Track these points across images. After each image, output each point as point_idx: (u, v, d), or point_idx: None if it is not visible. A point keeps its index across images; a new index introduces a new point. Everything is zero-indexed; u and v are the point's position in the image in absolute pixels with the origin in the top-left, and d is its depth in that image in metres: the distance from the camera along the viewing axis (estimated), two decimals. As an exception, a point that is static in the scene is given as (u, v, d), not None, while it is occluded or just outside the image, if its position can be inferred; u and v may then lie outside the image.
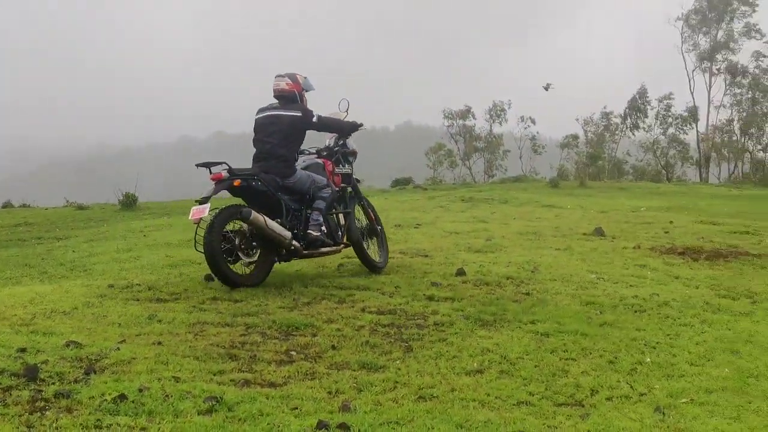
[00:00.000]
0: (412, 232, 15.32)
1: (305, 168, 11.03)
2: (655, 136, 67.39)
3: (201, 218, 9.70)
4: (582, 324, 8.65)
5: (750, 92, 66.28)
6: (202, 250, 9.59)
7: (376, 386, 6.48)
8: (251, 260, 10.05)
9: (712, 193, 35.97)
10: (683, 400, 6.51)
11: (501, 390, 6.56)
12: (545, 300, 9.68)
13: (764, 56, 65.86)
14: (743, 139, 67.70)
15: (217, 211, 9.84)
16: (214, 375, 6.48)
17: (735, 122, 67.51)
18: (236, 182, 10.14)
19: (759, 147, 67.78)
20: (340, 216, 11.35)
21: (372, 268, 11.25)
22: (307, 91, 11.13)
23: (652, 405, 6.37)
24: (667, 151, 67.41)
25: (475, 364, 7.21)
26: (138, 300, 8.99)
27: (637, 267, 12.12)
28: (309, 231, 10.52)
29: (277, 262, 10.52)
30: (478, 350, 7.60)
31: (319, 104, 11.08)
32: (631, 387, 6.82)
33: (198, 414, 5.51)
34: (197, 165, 10.34)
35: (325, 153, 11.58)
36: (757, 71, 66.21)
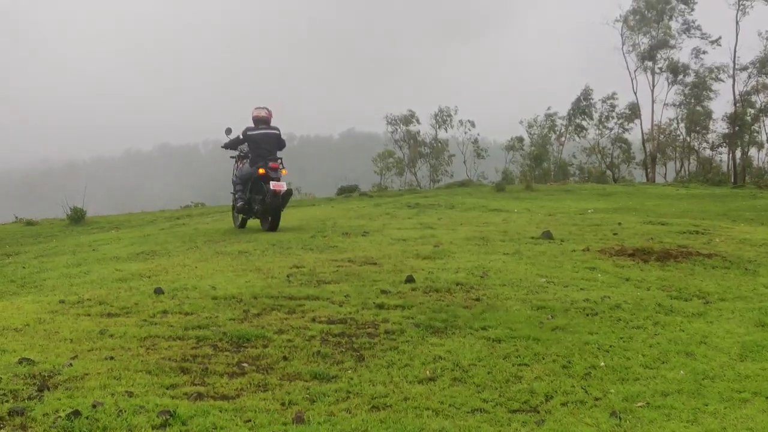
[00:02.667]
0: (360, 240, 15.31)
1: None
2: (598, 138, 68.02)
3: (282, 190, 17.28)
4: (534, 329, 8.69)
5: (693, 90, 66.92)
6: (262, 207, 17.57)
7: (328, 396, 6.48)
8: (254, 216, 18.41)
9: (659, 193, 36.29)
10: (639, 404, 6.56)
11: (454, 398, 6.58)
12: (496, 305, 9.71)
13: (704, 53, 66.52)
14: (689, 137, 68.39)
15: (287, 186, 17.61)
16: (167, 389, 6.45)
17: (679, 121, 68.16)
18: (284, 171, 17.85)
19: (705, 145, 68.50)
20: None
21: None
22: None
23: (607, 410, 6.41)
24: (612, 152, 68.00)
25: (428, 372, 7.24)
26: (89, 315, 8.92)
27: (587, 270, 12.17)
28: None
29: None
30: (430, 358, 7.63)
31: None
32: (586, 392, 6.86)
33: (152, 428, 5.49)
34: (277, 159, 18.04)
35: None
36: (697, 68, 66.85)
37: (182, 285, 10.54)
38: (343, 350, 7.82)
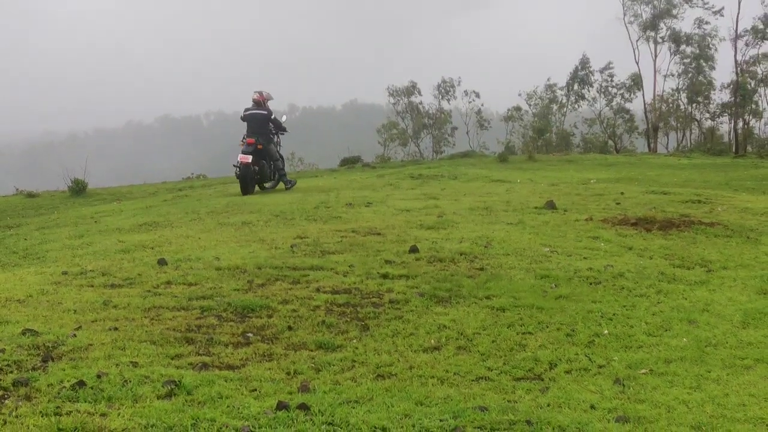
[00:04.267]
0: (363, 211, 15.28)
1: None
2: (601, 108, 67.75)
3: (248, 162, 20.43)
4: (538, 298, 8.72)
5: (695, 61, 66.54)
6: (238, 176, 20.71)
7: (334, 366, 6.53)
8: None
9: (661, 163, 36.19)
10: (642, 371, 6.61)
11: (459, 366, 6.63)
12: (500, 275, 9.71)
13: (707, 23, 65.98)
14: (690, 107, 68.13)
15: (251, 159, 20.51)
16: (172, 359, 6.48)
17: (681, 91, 67.81)
18: (260, 146, 20.92)
19: (707, 115, 68.21)
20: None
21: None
22: (268, 100, 21.91)
23: (611, 377, 6.46)
24: (614, 122, 67.77)
25: (433, 341, 7.27)
26: (92, 286, 8.93)
27: (590, 239, 12.16)
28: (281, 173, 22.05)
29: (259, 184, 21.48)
30: (434, 327, 7.66)
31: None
32: (590, 359, 6.90)
33: (157, 398, 5.50)
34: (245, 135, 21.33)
35: (277, 132, 22.14)
36: (700, 39, 66.31)
37: (186, 256, 10.54)
38: (348, 320, 7.86)
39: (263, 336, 7.29)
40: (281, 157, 22.79)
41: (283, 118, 22.47)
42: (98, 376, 5.76)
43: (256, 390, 5.83)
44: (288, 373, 6.30)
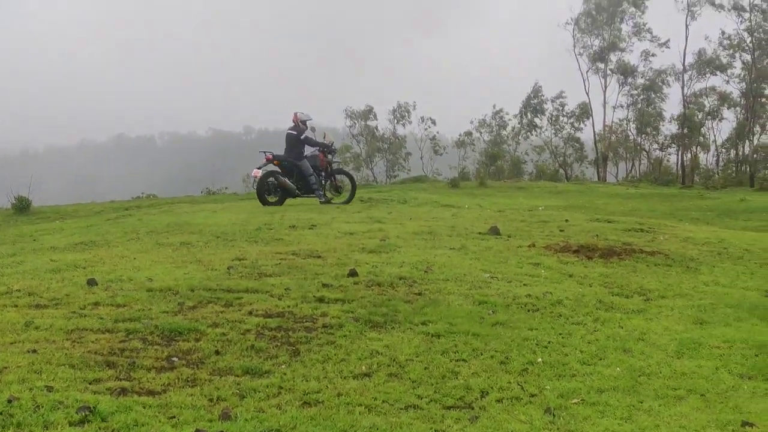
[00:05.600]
0: (306, 233, 15.10)
1: (306, 156, 23.52)
2: (550, 137, 68.52)
3: (257, 177, 22.79)
4: (474, 324, 8.61)
5: (644, 93, 67.58)
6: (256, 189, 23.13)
7: (259, 392, 6.36)
8: (276, 197, 23.07)
9: (609, 191, 36.55)
10: (574, 401, 6.52)
11: (389, 394, 6.49)
12: (438, 300, 9.60)
13: (653, 55, 67.16)
14: (639, 138, 69.03)
15: (262, 173, 22.85)
16: (90, 383, 6.27)
17: (631, 122, 68.81)
18: (275, 162, 23.08)
19: (656, 146, 69.20)
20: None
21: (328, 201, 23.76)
22: (304, 121, 23.72)
23: (542, 406, 6.36)
24: (564, 151, 68.49)
25: (364, 368, 7.13)
26: (16, 306, 8.67)
27: (531, 265, 12.09)
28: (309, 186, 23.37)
29: (291, 198, 23.34)
30: (367, 353, 7.52)
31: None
32: (522, 388, 6.80)
33: (69, 425, 5.32)
34: (260, 151, 23.69)
35: (324, 150, 24.03)
36: (646, 70, 67.55)
37: (117, 276, 10.29)
38: (279, 344, 7.69)
39: (189, 360, 7.10)
40: (347, 172, 26.40)
41: (325, 137, 24.50)
42: (9, 401, 5.56)
43: (174, 417, 5.65)
44: (211, 400, 6.12)
